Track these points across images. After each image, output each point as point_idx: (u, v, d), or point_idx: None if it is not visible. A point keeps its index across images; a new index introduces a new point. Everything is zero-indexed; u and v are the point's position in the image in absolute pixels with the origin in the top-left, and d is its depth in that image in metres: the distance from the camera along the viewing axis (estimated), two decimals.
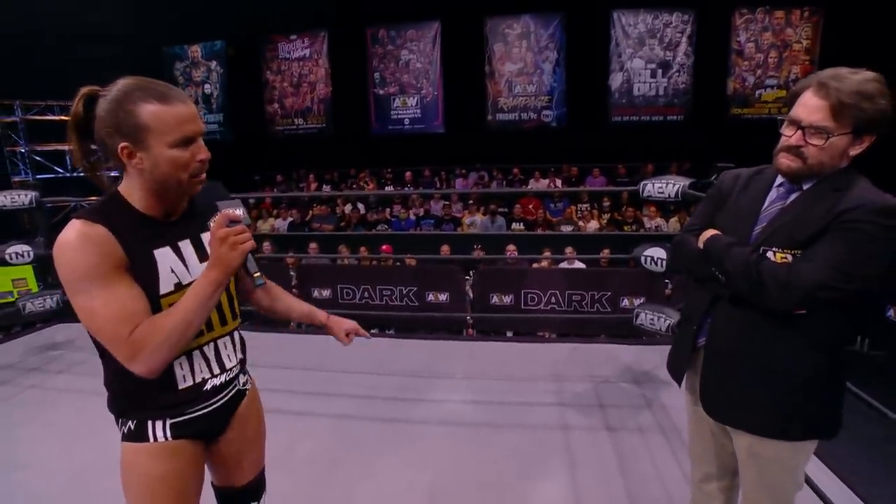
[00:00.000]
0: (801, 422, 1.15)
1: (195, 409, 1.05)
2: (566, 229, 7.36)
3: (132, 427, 1.02)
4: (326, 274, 5.01)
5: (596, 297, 4.42)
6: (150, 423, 1.01)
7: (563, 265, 5.37)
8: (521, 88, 9.19)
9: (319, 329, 1.38)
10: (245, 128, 10.21)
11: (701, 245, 1.22)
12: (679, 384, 1.36)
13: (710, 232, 1.22)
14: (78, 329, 3.58)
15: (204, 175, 1.00)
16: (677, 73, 8.69)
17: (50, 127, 7.98)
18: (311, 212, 8.43)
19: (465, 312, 4.62)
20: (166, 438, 1.02)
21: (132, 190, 0.98)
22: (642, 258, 2.84)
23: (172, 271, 0.99)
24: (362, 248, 6.26)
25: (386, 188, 9.13)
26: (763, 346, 1.15)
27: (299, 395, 2.76)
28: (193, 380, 1.04)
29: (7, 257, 3.49)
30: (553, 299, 4.48)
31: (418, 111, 9.64)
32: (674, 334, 1.45)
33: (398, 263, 5.45)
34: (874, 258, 1.04)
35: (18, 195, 3.46)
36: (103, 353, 0.98)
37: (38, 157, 8.42)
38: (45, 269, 5.29)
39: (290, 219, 8.21)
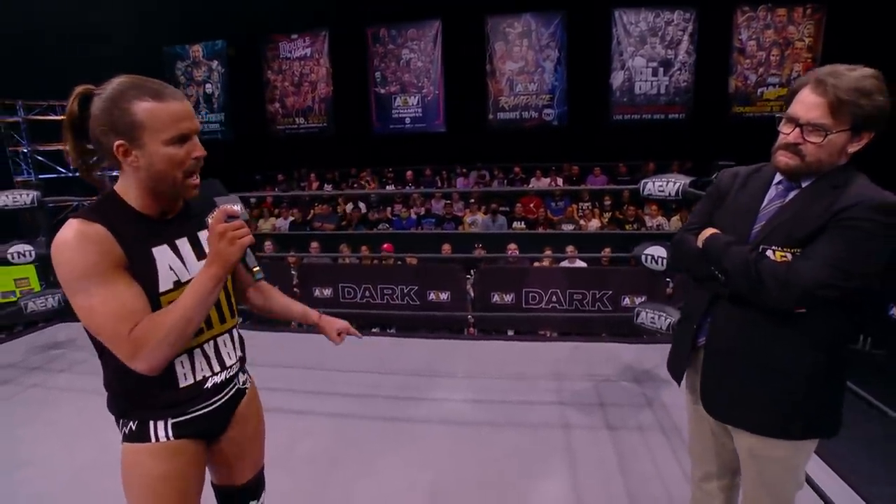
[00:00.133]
0: (801, 421, 1.14)
1: (196, 409, 1.05)
2: (567, 228, 7.35)
3: (133, 427, 1.02)
4: (327, 273, 5.02)
5: (597, 296, 4.42)
6: (151, 423, 1.01)
7: (565, 264, 5.37)
8: (522, 87, 9.18)
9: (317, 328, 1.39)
10: (246, 127, 10.22)
11: (700, 244, 1.22)
12: (679, 383, 1.36)
13: (709, 231, 1.22)
14: (79, 328, 3.58)
15: (198, 180, 1.00)
16: (679, 72, 8.67)
17: (52, 127, 7.99)
18: (312, 211, 8.44)
19: (466, 311, 4.62)
20: (168, 438, 1.02)
21: (128, 189, 0.98)
22: (643, 257, 2.84)
23: (171, 269, 0.99)
24: (363, 248, 6.27)
25: (387, 187, 9.13)
26: (763, 345, 1.15)
27: (299, 394, 2.77)
28: (194, 378, 1.04)
29: (9, 257, 3.51)
30: (554, 298, 4.48)
31: (419, 110, 9.63)
32: (674, 333, 1.44)
33: (399, 262, 5.45)
34: (873, 256, 1.03)
35: (20, 195, 3.46)
36: (102, 353, 0.99)
37: (40, 157, 8.45)
38: (47, 269, 5.30)
39: (291, 218, 8.22)
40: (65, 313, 3.71)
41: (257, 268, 0.99)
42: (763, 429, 1.17)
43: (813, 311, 1.09)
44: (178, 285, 0.99)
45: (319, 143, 9.99)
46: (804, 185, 1.13)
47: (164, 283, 0.98)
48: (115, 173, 1.00)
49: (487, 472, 2.11)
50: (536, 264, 5.44)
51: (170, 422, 1.02)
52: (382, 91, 9.68)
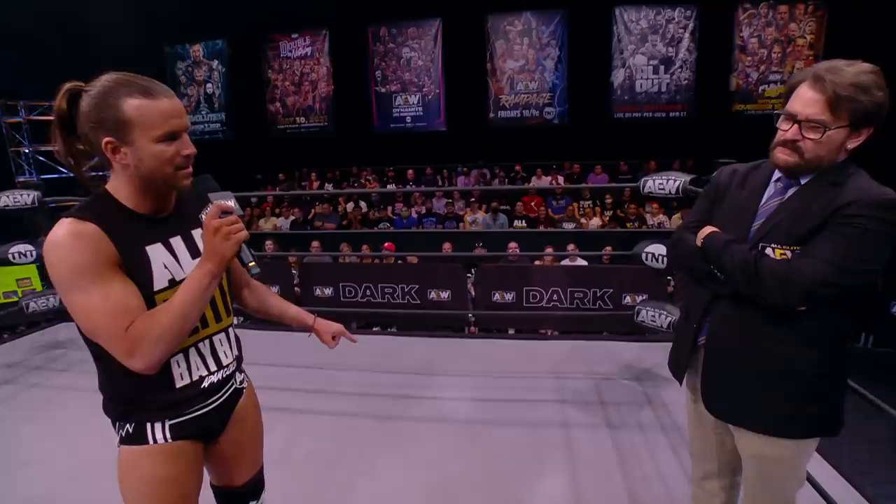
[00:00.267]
0: (803, 420, 1.13)
1: (193, 409, 1.04)
2: (568, 227, 7.34)
3: (130, 430, 1.01)
4: (328, 272, 5.02)
5: (598, 295, 4.41)
6: (148, 425, 1.00)
7: (566, 262, 5.36)
8: (522, 86, 9.17)
9: None
10: (247, 127, 10.23)
11: (699, 243, 1.21)
12: (681, 383, 1.36)
13: (708, 229, 1.21)
14: None
15: (190, 169, 0.98)
16: (680, 70, 8.65)
17: None
18: (313, 210, 8.45)
19: (466, 310, 4.61)
20: (166, 440, 1.01)
21: (120, 187, 0.97)
22: (643, 255, 2.83)
23: (166, 267, 0.99)
24: (364, 247, 6.27)
25: (388, 186, 9.13)
26: (763, 344, 1.14)
27: (300, 394, 2.77)
28: (191, 377, 1.03)
29: (10, 257, 3.51)
30: (555, 297, 4.47)
31: (420, 109, 9.63)
32: (675, 332, 1.43)
33: (400, 261, 5.45)
34: (874, 253, 1.02)
35: (21, 195, 3.46)
36: (98, 356, 0.97)
37: (41, 158, 8.47)
38: None
39: (292, 217, 8.23)
40: (66, 313, 3.70)
41: (253, 262, 0.98)
42: (764, 428, 1.16)
43: (814, 309, 1.08)
44: (173, 283, 0.98)
45: (320, 143, 10.00)
46: (803, 182, 1.12)
47: (159, 282, 0.97)
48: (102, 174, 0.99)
49: (488, 471, 2.11)
50: (537, 263, 5.44)
51: (167, 423, 1.01)
52: (383, 90, 9.68)
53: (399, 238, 6.90)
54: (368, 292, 4.74)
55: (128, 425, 1.01)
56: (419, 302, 4.63)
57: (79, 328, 0.94)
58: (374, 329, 5.02)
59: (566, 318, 4.47)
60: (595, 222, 7.53)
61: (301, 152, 10.01)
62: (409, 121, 9.72)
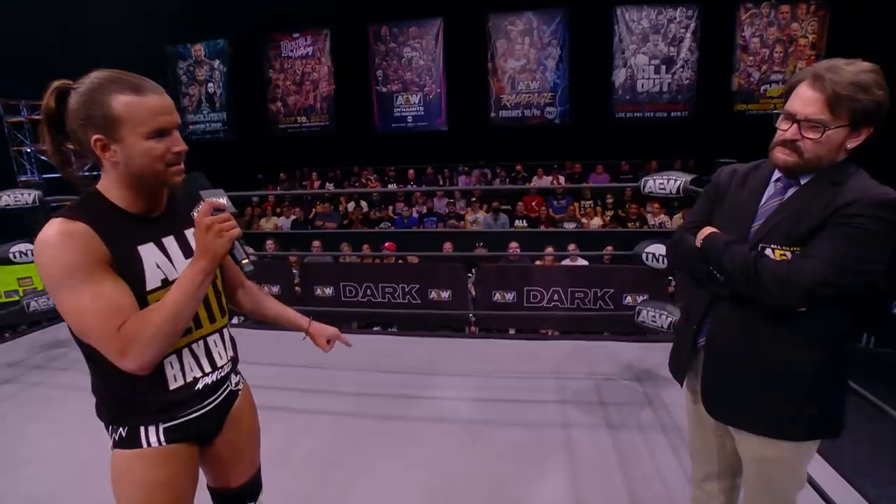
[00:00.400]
0: (803, 421, 1.13)
1: (188, 412, 1.03)
2: (569, 226, 7.34)
3: (124, 434, 0.99)
4: (329, 272, 5.02)
5: (599, 295, 4.40)
6: (142, 428, 0.99)
7: (566, 262, 5.35)
8: (523, 85, 9.16)
9: None
10: (248, 126, 10.24)
11: (698, 243, 1.20)
12: (681, 384, 1.35)
13: (708, 230, 1.20)
14: None
15: (181, 166, 0.97)
16: (681, 69, 8.63)
17: None
18: (314, 210, 8.45)
19: (467, 310, 4.61)
20: (160, 443, 1.00)
21: (110, 186, 0.96)
22: (644, 255, 2.82)
23: (158, 267, 0.97)
24: (365, 246, 6.27)
25: (389, 186, 9.13)
26: (763, 345, 1.14)
27: (300, 393, 2.77)
28: (185, 379, 1.02)
29: (11, 256, 3.52)
30: (556, 297, 4.46)
31: (421, 109, 9.63)
32: (675, 333, 1.43)
33: (400, 261, 5.45)
34: (874, 253, 1.02)
35: (22, 194, 3.47)
36: (90, 357, 0.96)
37: (43, 157, 8.48)
38: None
39: (293, 217, 8.23)
40: None
41: (246, 260, 0.97)
42: (764, 430, 1.16)
43: (814, 310, 1.08)
44: (166, 283, 0.97)
45: (321, 142, 10.00)
46: (803, 181, 1.11)
47: (152, 282, 0.96)
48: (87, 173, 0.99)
49: (487, 471, 2.11)
50: (538, 263, 5.43)
51: (161, 427, 1.00)
52: (384, 89, 9.68)
53: (400, 238, 6.90)
54: (369, 292, 4.74)
55: (121, 429, 1.00)
56: (420, 302, 4.63)
57: (70, 329, 0.93)
58: (375, 329, 5.02)
59: (567, 318, 4.46)
60: (596, 222, 7.53)
61: (302, 152, 10.02)
62: (410, 120, 9.72)
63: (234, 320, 3.69)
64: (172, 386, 1.01)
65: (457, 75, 9.36)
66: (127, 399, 0.98)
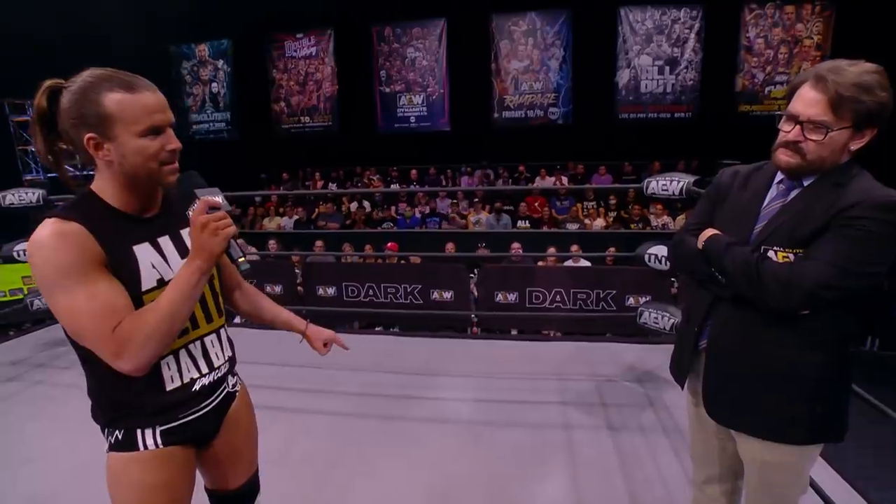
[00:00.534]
0: (806, 425, 1.12)
1: (185, 415, 1.02)
2: (572, 227, 7.32)
3: (120, 436, 0.98)
4: (331, 272, 5.02)
5: (601, 296, 4.39)
6: (139, 431, 0.98)
7: (569, 263, 5.34)
8: (527, 86, 9.16)
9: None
10: (252, 126, 10.27)
11: (700, 245, 1.19)
12: (682, 387, 1.34)
13: (710, 231, 1.20)
14: None
15: (176, 164, 0.96)
16: (685, 70, 8.61)
17: None
18: (316, 210, 8.47)
19: (469, 311, 4.60)
20: (157, 446, 0.99)
21: (104, 185, 0.95)
22: (646, 256, 2.81)
23: (154, 267, 0.96)
24: (367, 246, 6.27)
25: (391, 186, 9.14)
26: (765, 348, 1.13)
27: (300, 393, 2.77)
28: (181, 380, 1.01)
29: (15, 254, 3.54)
30: (558, 298, 4.45)
31: (424, 109, 9.64)
32: (676, 335, 1.42)
33: (403, 261, 5.45)
34: (878, 255, 1.01)
35: (26, 193, 3.49)
36: (86, 359, 0.95)
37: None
38: None
39: (295, 217, 8.25)
40: None
41: (242, 258, 0.96)
42: (766, 433, 1.15)
43: (816, 312, 1.07)
44: (162, 284, 0.96)
45: (324, 142, 10.02)
46: (806, 183, 1.11)
47: (147, 282, 0.95)
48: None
49: (488, 472, 2.10)
50: (540, 264, 5.42)
51: (158, 429, 0.99)
52: (387, 90, 9.69)
53: (402, 238, 6.90)
54: (371, 292, 4.74)
55: (117, 432, 0.98)
56: (422, 302, 4.63)
57: (65, 331, 0.92)
58: (377, 329, 5.02)
59: (569, 319, 4.45)
60: (599, 223, 7.51)
61: (305, 152, 10.04)
62: (413, 121, 9.72)
63: (237, 319, 3.70)
64: (169, 387, 1.00)
65: (460, 76, 9.36)
66: (123, 401, 0.97)
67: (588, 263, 5.13)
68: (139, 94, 0.90)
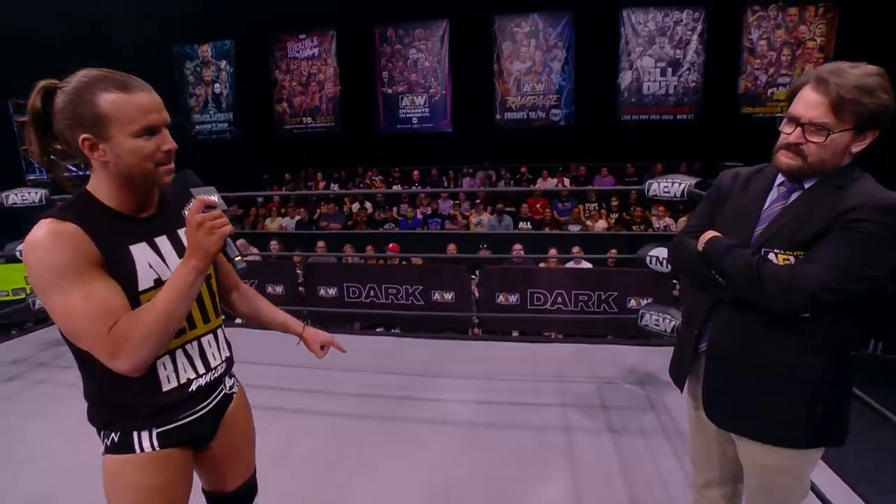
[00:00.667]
0: (806, 429, 1.12)
1: (181, 417, 1.02)
2: (574, 229, 7.32)
3: (116, 439, 0.98)
4: (333, 272, 5.02)
5: (603, 298, 4.38)
6: (135, 433, 0.98)
7: (570, 265, 5.33)
8: (529, 87, 9.16)
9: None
10: (254, 127, 10.29)
11: (700, 247, 1.19)
12: (681, 389, 1.34)
13: (710, 233, 1.19)
14: None
15: (172, 165, 0.96)
16: (688, 72, 8.60)
17: None
18: (318, 210, 8.48)
19: (470, 312, 4.60)
20: (153, 448, 0.98)
21: (100, 186, 0.94)
22: (647, 258, 2.81)
23: (151, 267, 0.96)
24: (369, 247, 6.27)
25: (393, 187, 9.15)
26: (766, 351, 1.12)
27: (301, 394, 2.77)
28: (178, 381, 1.00)
29: (18, 254, 3.55)
30: (559, 299, 4.45)
31: (426, 110, 9.65)
32: (676, 338, 1.42)
33: (404, 262, 5.45)
34: (879, 258, 1.01)
35: (29, 193, 3.50)
36: (83, 362, 0.95)
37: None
38: None
39: (297, 217, 8.26)
40: None
41: (238, 257, 0.96)
42: (766, 437, 1.15)
43: (817, 315, 1.06)
44: (159, 283, 0.95)
45: (326, 143, 10.04)
46: (807, 186, 1.10)
47: (144, 282, 0.94)
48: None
49: (488, 474, 2.10)
50: (542, 265, 5.41)
51: (154, 431, 0.99)
52: (390, 91, 9.71)
53: (404, 239, 6.90)
54: (372, 293, 4.74)
55: (113, 434, 0.98)
56: (423, 303, 4.63)
57: (61, 332, 0.91)
58: (378, 330, 5.02)
59: (570, 320, 4.45)
60: (600, 225, 7.50)
61: (307, 152, 10.05)
62: (415, 122, 9.73)
63: (237, 320, 3.70)
64: (165, 388, 0.99)
65: (462, 77, 9.37)
66: (119, 403, 0.97)
67: (589, 265, 5.13)
68: (134, 94, 0.90)
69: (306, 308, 4.69)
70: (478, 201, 8.06)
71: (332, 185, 9.51)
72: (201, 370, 1.05)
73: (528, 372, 3.02)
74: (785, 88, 8.29)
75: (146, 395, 0.97)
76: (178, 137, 0.96)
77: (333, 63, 9.83)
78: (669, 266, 2.72)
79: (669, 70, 8.64)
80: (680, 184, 2.61)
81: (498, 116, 9.35)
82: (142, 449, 0.98)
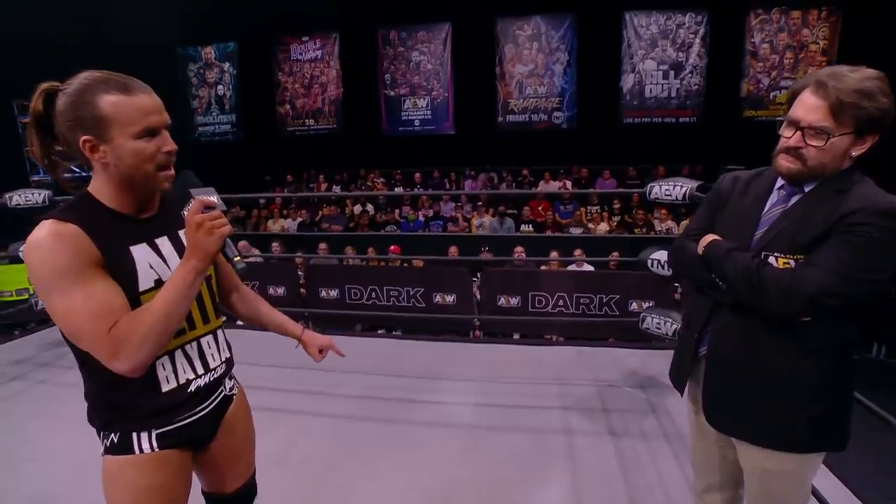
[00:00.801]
0: (807, 433, 1.11)
1: (181, 418, 1.02)
2: (575, 231, 7.31)
3: (115, 439, 0.98)
4: (334, 274, 5.03)
5: (604, 301, 4.37)
6: (134, 434, 0.98)
7: (572, 268, 5.33)
8: (531, 90, 9.17)
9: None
10: (257, 128, 10.32)
11: (700, 251, 1.19)
12: (682, 393, 1.34)
13: (710, 237, 1.19)
14: None
15: (171, 170, 0.97)
16: (690, 75, 8.60)
17: None
18: (320, 212, 8.49)
19: (472, 314, 4.60)
20: (152, 449, 0.99)
21: (101, 187, 0.95)
22: (648, 261, 2.80)
23: (151, 267, 0.97)
24: (370, 249, 6.28)
25: (395, 189, 9.16)
26: (766, 355, 1.12)
27: (302, 395, 2.77)
28: (177, 381, 1.01)
29: (20, 254, 3.56)
30: (561, 302, 4.44)
31: (428, 112, 9.66)
32: (677, 342, 1.41)
33: (406, 264, 5.45)
34: (879, 262, 1.00)
35: (32, 194, 3.51)
36: (84, 363, 0.96)
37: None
38: None
39: (299, 219, 8.27)
40: None
41: (238, 257, 0.96)
42: (767, 441, 1.14)
43: (817, 319, 1.06)
44: (160, 284, 0.96)
45: (329, 145, 10.06)
46: (807, 189, 1.10)
47: (145, 282, 0.95)
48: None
49: (489, 477, 2.10)
50: (544, 268, 5.41)
51: (154, 433, 0.99)
52: (392, 93, 9.73)
53: (405, 241, 6.91)
54: (374, 295, 4.74)
55: (113, 435, 0.98)
56: (424, 305, 4.63)
57: (62, 333, 0.92)
58: (379, 332, 5.02)
59: (571, 323, 4.44)
60: (603, 227, 7.49)
61: (310, 154, 10.08)
62: (417, 124, 9.75)
63: (239, 321, 3.71)
64: (165, 388, 0.99)
65: (464, 79, 9.38)
66: (119, 403, 0.97)
67: (591, 268, 5.12)
68: (134, 96, 0.90)
69: (307, 309, 4.70)
70: (480, 204, 8.07)
71: (334, 186, 9.53)
72: (200, 371, 1.06)
73: (530, 374, 3.02)
74: (787, 92, 8.27)
75: (145, 395, 0.98)
76: (180, 139, 0.97)
77: (336, 65, 9.86)
78: (671, 269, 2.72)
79: (672, 73, 8.63)
80: (681, 187, 2.60)
81: (500, 119, 9.36)
82: (141, 450, 0.98)
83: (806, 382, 1.10)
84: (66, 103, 0.89)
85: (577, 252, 5.85)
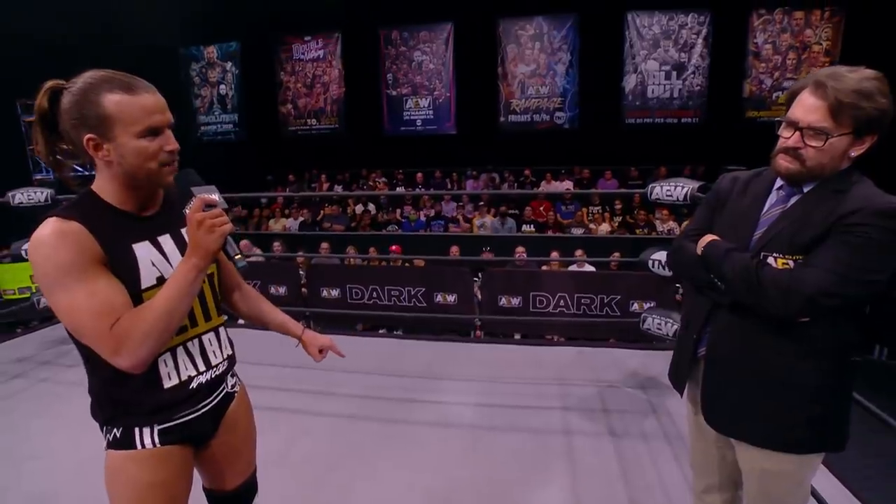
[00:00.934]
0: (805, 434, 1.11)
1: (183, 414, 1.03)
2: (577, 232, 7.31)
3: (118, 434, 1.00)
4: (335, 274, 5.03)
5: (605, 301, 4.37)
6: (136, 429, 0.99)
7: (573, 268, 5.33)
8: (533, 90, 9.16)
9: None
10: (259, 128, 10.34)
11: (699, 251, 1.19)
12: (681, 394, 1.34)
13: (709, 237, 1.19)
14: None
15: (175, 165, 0.98)
16: (692, 75, 8.58)
17: None
18: (322, 212, 8.50)
19: (473, 314, 4.60)
20: (154, 445, 1.00)
21: (104, 185, 0.96)
22: (649, 262, 2.80)
23: (153, 265, 0.98)
24: (371, 249, 6.28)
25: (397, 189, 9.16)
26: (764, 355, 1.12)
27: (303, 395, 2.78)
28: (179, 378, 1.02)
29: (23, 253, 3.57)
30: (562, 302, 4.45)
31: (430, 112, 9.66)
32: (676, 342, 1.42)
33: (407, 264, 5.45)
34: (878, 263, 1.00)
35: (35, 192, 3.53)
36: (88, 359, 0.97)
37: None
38: None
39: (301, 218, 8.28)
40: None
41: (239, 255, 0.97)
42: (766, 442, 1.14)
43: (816, 319, 1.06)
44: (162, 281, 0.97)
45: (331, 144, 10.07)
46: (806, 190, 1.10)
47: (147, 280, 0.96)
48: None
49: (489, 477, 2.10)
50: (545, 268, 5.41)
51: (156, 428, 1.00)
52: (394, 93, 9.73)
53: (407, 241, 6.91)
54: (375, 294, 4.75)
55: (115, 430, 1.00)
56: (425, 305, 4.63)
57: (67, 329, 0.93)
58: (380, 331, 5.03)
59: (572, 324, 4.44)
60: (604, 228, 7.49)
61: (311, 154, 10.09)
62: (419, 124, 9.75)
63: (240, 320, 3.72)
64: (166, 385, 1.01)
65: (466, 79, 9.38)
66: (121, 399, 0.99)
67: (592, 268, 5.12)
68: (138, 95, 0.92)
69: (309, 309, 4.71)
70: (481, 204, 8.07)
71: (335, 186, 9.54)
72: (202, 368, 1.07)
73: (530, 375, 3.02)
74: None
75: (147, 391, 0.99)
76: (183, 138, 0.98)
77: (338, 65, 9.87)
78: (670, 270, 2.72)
79: (674, 73, 8.62)
80: (683, 187, 2.60)
81: (502, 119, 9.36)
82: (143, 445, 1.00)
83: (804, 383, 1.10)
84: (70, 101, 0.91)
85: (579, 252, 5.85)
